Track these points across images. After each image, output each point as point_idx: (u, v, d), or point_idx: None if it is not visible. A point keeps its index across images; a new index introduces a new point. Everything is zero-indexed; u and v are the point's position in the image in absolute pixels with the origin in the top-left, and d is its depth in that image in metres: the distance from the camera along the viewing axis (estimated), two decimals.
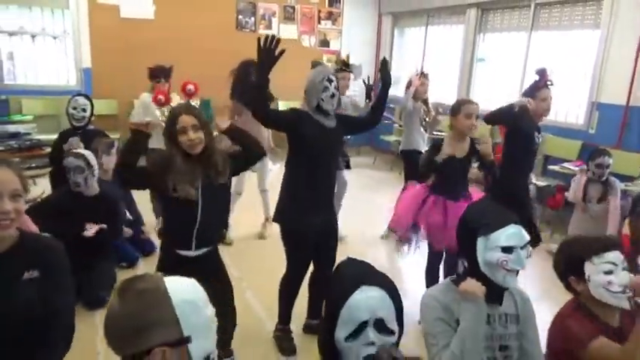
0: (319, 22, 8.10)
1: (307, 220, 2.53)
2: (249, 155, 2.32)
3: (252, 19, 7.58)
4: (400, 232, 3.02)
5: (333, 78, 2.47)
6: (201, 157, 2.09)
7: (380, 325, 1.14)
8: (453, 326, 1.50)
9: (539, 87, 3.15)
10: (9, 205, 1.32)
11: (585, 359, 1.50)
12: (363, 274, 1.20)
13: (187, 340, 1.00)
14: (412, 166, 3.95)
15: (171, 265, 2.09)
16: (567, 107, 5.61)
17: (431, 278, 3.04)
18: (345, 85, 4.22)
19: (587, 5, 5.33)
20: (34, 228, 2.41)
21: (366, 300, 1.14)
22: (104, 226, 2.83)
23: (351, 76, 4.43)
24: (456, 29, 7.15)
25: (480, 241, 1.50)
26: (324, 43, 8.21)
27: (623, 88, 4.90)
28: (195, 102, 3.01)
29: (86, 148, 3.48)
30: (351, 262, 1.26)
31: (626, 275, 1.54)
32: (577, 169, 4.61)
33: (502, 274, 1.47)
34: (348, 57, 4.59)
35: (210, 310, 1.06)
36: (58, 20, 6.70)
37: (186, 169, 2.07)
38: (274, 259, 2.84)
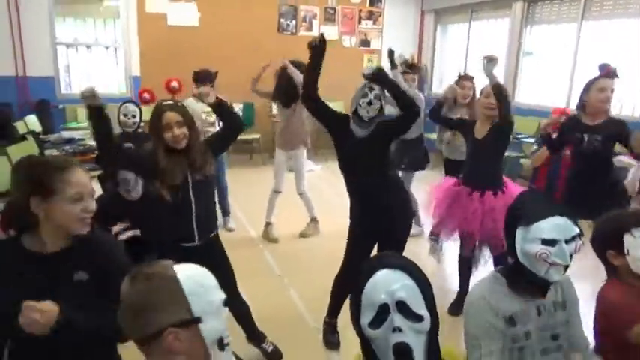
0: (360, 22, 8.08)
1: (359, 221, 2.65)
2: (227, 131, 2.40)
3: (294, 21, 7.66)
4: (436, 230, 3.02)
5: (376, 87, 2.47)
6: (186, 151, 2.19)
7: (404, 309, 1.09)
8: (499, 327, 1.46)
9: (600, 76, 2.94)
10: (93, 204, 1.44)
11: (631, 336, 1.47)
12: (385, 258, 1.19)
13: (198, 320, 1.02)
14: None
15: (178, 259, 2.18)
16: (621, 100, 5.33)
17: (463, 279, 3.05)
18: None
19: None
20: None
21: (383, 280, 1.11)
22: (137, 232, 2.90)
23: (415, 77, 4.45)
24: (501, 23, 6.94)
25: (520, 232, 1.45)
26: (365, 42, 8.18)
27: None
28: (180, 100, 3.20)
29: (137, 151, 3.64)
30: (381, 253, 1.26)
31: None
32: (633, 161, 4.37)
33: (544, 267, 1.41)
34: (412, 57, 4.57)
35: (220, 294, 1.08)
36: (109, 31, 7.02)
37: (168, 165, 2.17)
38: (317, 257, 2.89)
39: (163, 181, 2.19)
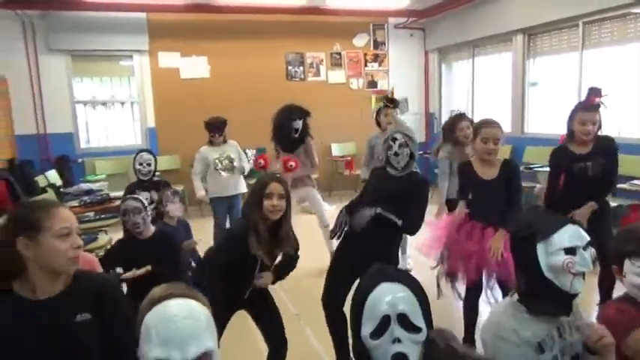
0: (366, 65, 8.31)
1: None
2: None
3: (301, 68, 7.92)
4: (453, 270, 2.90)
5: (399, 136, 2.58)
6: (277, 224, 2.23)
7: (404, 321, 1.16)
8: (530, 357, 1.41)
9: (580, 107, 2.97)
10: (79, 239, 1.42)
11: (627, 349, 1.45)
12: (384, 272, 1.25)
13: None
14: None
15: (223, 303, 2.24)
16: (633, 123, 5.34)
17: (469, 317, 2.88)
18: (388, 121, 4.23)
19: (639, 19, 5.15)
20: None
21: (386, 293, 1.18)
22: (149, 268, 2.93)
23: (397, 111, 4.45)
24: (504, 57, 7.08)
25: (541, 247, 1.42)
26: (372, 84, 8.38)
27: None
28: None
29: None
30: (374, 267, 1.31)
31: None
32: None
33: (569, 279, 1.39)
34: (392, 92, 4.65)
35: (163, 353, 1.09)
36: (124, 87, 7.33)
37: (266, 236, 2.20)
38: None
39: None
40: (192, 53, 7.29)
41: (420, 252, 3.69)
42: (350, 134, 7.75)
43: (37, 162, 6.64)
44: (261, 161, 4.61)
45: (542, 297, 1.43)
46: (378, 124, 4.41)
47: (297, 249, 2.44)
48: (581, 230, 1.43)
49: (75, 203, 4.67)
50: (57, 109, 6.79)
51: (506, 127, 6.95)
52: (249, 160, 4.74)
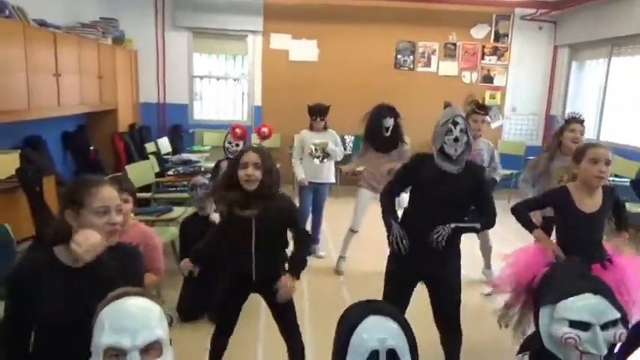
0: (483, 58, 7.74)
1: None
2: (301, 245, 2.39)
3: (411, 57, 7.62)
4: (505, 295, 2.58)
5: (460, 121, 2.30)
6: (256, 194, 2.17)
7: (392, 358, 1.08)
8: None
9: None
10: (117, 217, 1.56)
11: None
12: (372, 306, 1.18)
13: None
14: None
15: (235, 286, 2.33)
16: None
17: None
18: (477, 128, 3.83)
19: None
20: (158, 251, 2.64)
21: (376, 327, 1.11)
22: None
23: (487, 118, 4.06)
24: None
25: (544, 311, 1.22)
26: (488, 79, 7.79)
27: None
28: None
29: None
30: (361, 301, 1.22)
31: None
32: None
33: (574, 357, 1.15)
34: (484, 99, 4.25)
35: (114, 339, 1.14)
36: (238, 65, 7.70)
37: (236, 196, 2.19)
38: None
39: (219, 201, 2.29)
40: (302, 36, 7.39)
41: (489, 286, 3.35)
42: None
43: (155, 129, 7.30)
44: (265, 130, 4.55)
45: None
46: None
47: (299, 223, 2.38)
48: (605, 304, 1.16)
49: (171, 172, 5.03)
50: (176, 81, 7.38)
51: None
52: (345, 148, 4.67)
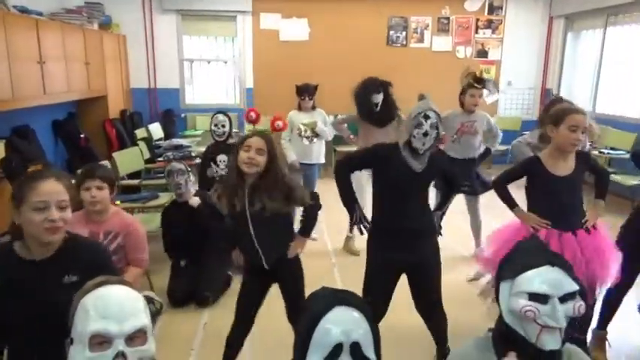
0: (477, 32, 7.61)
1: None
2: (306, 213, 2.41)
3: (404, 33, 7.50)
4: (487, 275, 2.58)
5: (432, 115, 2.24)
6: (257, 181, 2.14)
7: (356, 351, 1.04)
8: None
9: None
10: (56, 214, 1.47)
11: None
12: (338, 295, 1.12)
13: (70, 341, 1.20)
14: None
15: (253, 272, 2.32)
16: None
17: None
18: (474, 103, 3.84)
19: None
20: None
21: (341, 319, 1.06)
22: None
23: (484, 92, 3.99)
24: None
25: (504, 285, 1.20)
26: (482, 53, 7.68)
27: None
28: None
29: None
30: (325, 288, 1.16)
31: None
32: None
33: (534, 330, 1.13)
34: (481, 72, 4.17)
35: (100, 326, 1.13)
36: (228, 47, 7.60)
37: (232, 183, 2.15)
38: None
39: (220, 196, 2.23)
40: (292, 15, 7.27)
41: (477, 263, 3.34)
42: (451, 105, 7.21)
43: (147, 114, 7.25)
44: (252, 114, 4.51)
45: (511, 342, 1.20)
46: (462, 104, 4.00)
47: (307, 200, 2.31)
48: (564, 277, 1.14)
49: (160, 159, 5.01)
50: (166, 65, 7.29)
51: (637, 111, 5.96)
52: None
